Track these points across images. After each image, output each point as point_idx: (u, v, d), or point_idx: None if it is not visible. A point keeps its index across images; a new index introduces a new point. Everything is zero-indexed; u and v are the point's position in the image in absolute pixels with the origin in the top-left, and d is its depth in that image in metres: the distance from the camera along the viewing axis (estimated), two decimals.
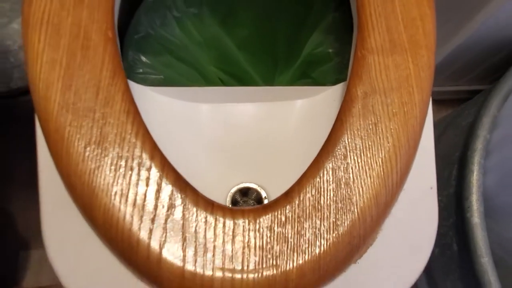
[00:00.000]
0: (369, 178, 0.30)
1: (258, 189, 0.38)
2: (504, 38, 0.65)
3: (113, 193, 0.28)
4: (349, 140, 0.31)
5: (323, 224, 0.29)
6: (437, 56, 0.74)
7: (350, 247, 0.29)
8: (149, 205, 0.28)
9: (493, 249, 0.53)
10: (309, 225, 0.29)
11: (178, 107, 0.39)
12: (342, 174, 0.30)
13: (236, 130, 0.39)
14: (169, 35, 0.49)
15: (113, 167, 0.29)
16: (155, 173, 0.29)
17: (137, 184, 0.28)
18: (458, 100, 0.89)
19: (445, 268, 0.60)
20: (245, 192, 0.39)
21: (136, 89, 0.36)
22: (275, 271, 0.28)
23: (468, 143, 0.56)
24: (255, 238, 0.28)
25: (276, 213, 0.29)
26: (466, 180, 0.54)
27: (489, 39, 0.66)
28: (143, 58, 0.47)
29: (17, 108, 0.67)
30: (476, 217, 0.52)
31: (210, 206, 0.29)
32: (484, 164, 0.54)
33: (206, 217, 0.29)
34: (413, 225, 0.32)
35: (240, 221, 0.29)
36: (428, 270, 0.64)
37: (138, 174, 0.29)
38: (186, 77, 0.51)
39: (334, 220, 0.29)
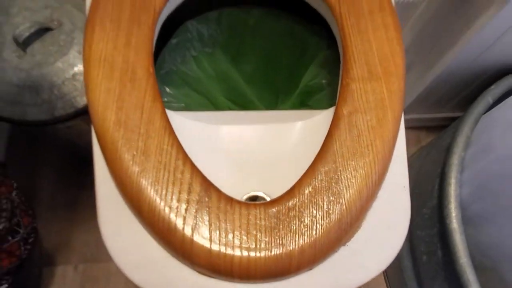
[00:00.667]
0: (354, 178, 0.38)
1: (265, 196, 0.46)
2: (475, 71, 0.75)
3: (155, 190, 0.36)
4: (337, 149, 0.39)
5: (318, 213, 0.37)
6: (419, 86, 0.85)
7: (340, 231, 0.37)
8: (183, 200, 0.36)
9: (473, 254, 0.60)
10: (307, 214, 0.37)
11: (197, 128, 0.47)
12: (333, 175, 0.38)
13: (245, 147, 0.48)
14: (187, 70, 0.59)
15: (154, 170, 0.37)
16: (187, 175, 0.37)
17: (173, 183, 0.37)
18: (445, 126, 0.98)
19: (432, 273, 0.66)
20: (254, 199, 0.46)
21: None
22: (281, 250, 0.36)
23: (447, 160, 0.64)
24: (265, 224, 0.36)
25: (281, 205, 0.37)
26: (445, 191, 0.62)
27: (462, 72, 0.76)
28: (167, 89, 0.56)
29: (52, 134, 0.76)
30: (454, 223, 0.59)
31: (230, 201, 0.37)
32: (460, 177, 0.62)
33: (227, 209, 0.37)
34: (390, 215, 0.40)
35: (253, 211, 0.37)
36: (418, 277, 0.71)
37: (174, 176, 0.37)
38: (201, 106, 0.60)
39: (327, 210, 0.37)
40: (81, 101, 0.60)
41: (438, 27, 0.76)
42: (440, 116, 0.95)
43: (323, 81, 0.58)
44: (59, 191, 0.88)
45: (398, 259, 0.79)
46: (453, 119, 0.95)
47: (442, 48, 0.74)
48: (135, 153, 0.37)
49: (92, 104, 0.39)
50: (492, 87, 0.68)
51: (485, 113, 0.66)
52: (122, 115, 0.38)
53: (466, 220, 0.61)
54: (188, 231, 0.35)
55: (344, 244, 0.38)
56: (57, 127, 0.63)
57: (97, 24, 0.42)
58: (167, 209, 0.36)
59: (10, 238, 0.57)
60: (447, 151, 0.65)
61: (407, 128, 1.07)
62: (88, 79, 0.40)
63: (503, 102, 0.61)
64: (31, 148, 0.91)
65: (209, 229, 0.36)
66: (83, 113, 0.61)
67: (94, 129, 0.39)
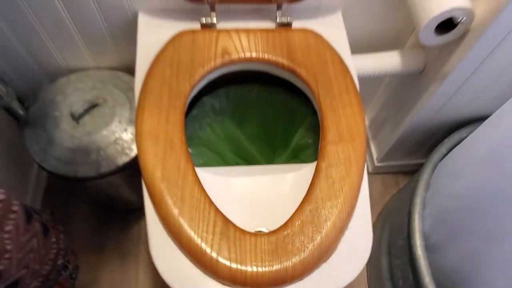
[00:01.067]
0: (330, 214, 0.54)
1: (266, 230, 0.61)
2: (433, 127, 0.93)
3: (190, 226, 0.52)
4: (318, 193, 0.55)
5: (306, 240, 0.52)
6: (392, 138, 1.02)
7: (321, 253, 0.52)
8: (210, 232, 0.52)
9: (437, 277, 0.74)
10: (297, 240, 0.52)
11: (215, 180, 0.63)
12: (315, 212, 0.54)
13: (250, 194, 0.63)
14: (204, 134, 0.76)
15: (189, 211, 0.52)
16: (212, 214, 0.53)
17: (203, 220, 0.52)
18: (417, 171, 1.15)
19: None
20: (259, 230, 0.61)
21: None
22: (280, 266, 0.50)
23: (412, 200, 0.80)
24: (267, 248, 0.51)
25: (278, 235, 0.53)
26: (411, 225, 0.77)
27: (424, 128, 0.93)
28: (190, 150, 0.73)
29: (89, 187, 0.91)
30: (419, 250, 0.74)
31: (242, 232, 0.53)
32: (422, 213, 0.78)
33: (240, 238, 0.52)
34: (357, 240, 0.55)
35: (259, 239, 0.52)
36: None
37: (203, 215, 0.53)
38: (215, 161, 0.76)
39: (312, 237, 0.52)
40: (120, 161, 0.76)
41: (400, 95, 0.95)
42: (413, 163, 1.12)
43: (309, 141, 0.75)
44: (89, 236, 1.02)
45: (382, 286, 0.92)
46: (422, 165, 1.12)
47: (405, 110, 0.92)
48: (175, 199, 0.53)
49: (144, 165, 0.55)
50: (445, 140, 0.86)
51: (440, 161, 0.83)
52: (165, 173, 0.55)
53: (429, 248, 0.75)
54: (214, 254, 0.50)
55: (324, 262, 0.53)
56: (97, 181, 0.79)
57: (145, 108, 0.59)
58: (199, 239, 0.51)
59: (63, 272, 0.71)
60: (412, 192, 0.81)
61: (387, 173, 1.24)
62: (140, 147, 0.56)
63: (449, 154, 0.78)
64: (65, 196, 1.07)
65: (229, 252, 0.51)
66: (121, 170, 0.77)
67: (145, 182, 0.55)
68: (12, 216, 0.51)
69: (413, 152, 1.09)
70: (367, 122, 1.18)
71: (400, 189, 1.07)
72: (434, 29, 0.66)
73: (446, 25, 0.66)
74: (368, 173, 1.17)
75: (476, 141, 0.65)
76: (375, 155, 1.13)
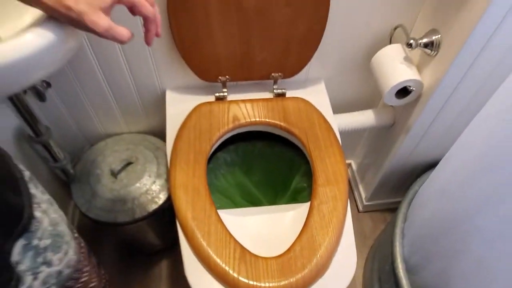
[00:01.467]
0: (323, 240, 0.70)
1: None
2: (409, 169, 1.11)
3: (216, 254, 0.68)
4: (312, 224, 0.72)
5: (305, 261, 0.68)
6: (375, 180, 1.19)
7: (317, 271, 0.68)
8: (231, 257, 0.68)
9: None
10: (299, 261, 0.68)
11: (230, 219, 0.80)
12: (311, 239, 0.70)
13: (259, 228, 0.80)
14: (219, 183, 0.93)
15: (215, 243, 0.69)
16: (232, 244, 0.69)
17: (225, 248, 0.68)
18: None
19: None
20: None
21: None
22: (286, 281, 0.66)
23: (393, 231, 0.96)
24: (276, 268, 0.67)
25: (283, 258, 0.69)
26: (394, 252, 0.93)
27: (401, 169, 1.11)
28: None
29: (123, 232, 1.07)
30: (401, 272, 0.89)
31: (256, 257, 0.69)
32: (402, 241, 0.94)
33: (255, 261, 0.68)
34: (345, 261, 0.70)
35: (269, 262, 0.68)
36: None
37: (225, 245, 0.69)
38: (228, 205, 0.93)
39: (309, 258, 0.68)
40: (151, 208, 0.92)
41: (378, 144, 1.14)
42: (396, 200, 1.29)
43: (305, 185, 0.92)
44: (115, 275, 1.16)
45: None
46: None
47: (383, 156, 1.11)
48: (203, 233, 0.70)
49: (178, 208, 0.72)
50: (417, 180, 1.03)
51: (414, 197, 1.00)
52: (194, 214, 0.71)
53: (409, 270, 0.90)
54: (236, 275, 0.66)
55: (320, 277, 0.69)
56: (131, 226, 0.95)
57: (177, 165, 0.77)
58: (223, 263, 0.67)
59: None
60: (393, 224, 0.98)
61: (376, 211, 1.41)
62: (174, 195, 0.74)
63: (419, 190, 0.95)
64: (95, 236, 1.21)
65: (247, 272, 0.66)
66: (151, 216, 0.93)
67: (179, 222, 0.72)
68: (82, 250, 0.66)
69: (395, 191, 1.26)
70: (354, 168, 1.36)
71: (387, 224, 1.23)
72: (394, 94, 0.85)
73: (404, 90, 0.86)
74: (359, 212, 1.34)
75: (433, 179, 0.83)
76: (363, 195, 1.30)
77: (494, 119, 0.60)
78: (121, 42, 0.45)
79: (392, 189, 1.23)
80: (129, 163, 0.97)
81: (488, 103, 0.63)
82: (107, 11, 0.43)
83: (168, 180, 0.77)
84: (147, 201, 0.93)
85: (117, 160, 0.97)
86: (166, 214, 0.95)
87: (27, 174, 0.44)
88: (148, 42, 0.50)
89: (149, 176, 0.95)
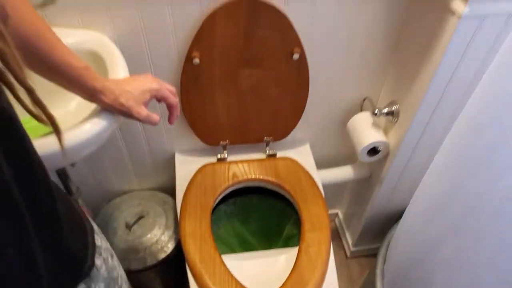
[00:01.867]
0: (310, 279, 0.83)
1: None
2: (386, 216, 1.25)
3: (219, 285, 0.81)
4: (301, 265, 0.85)
5: None
6: (358, 227, 1.33)
7: None
8: None
9: None
10: None
11: (231, 262, 0.93)
12: (300, 278, 0.84)
13: (256, 270, 0.93)
14: (220, 232, 1.07)
15: (219, 282, 0.82)
16: (234, 283, 0.82)
17: (229, 286, 0.81)
18: None
19: None
20: None
21: None
22: None
23: (374, 272, 1.09)
24: None
25: None
26: None
27: (379, 217, 1.26)
28: None
29: (134, 279, 1.18)
30: None
31: None
32: (382, 281, 1.06)
33: None
34: None
35: None
36: None
37: (228, 283, 0.82)
38: (227, 251, 1.06)
39: None
40: (160, 256, 1.05)
41: (359, 194, 1.30)
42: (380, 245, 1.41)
43: (295, 232, 1.06)
44: None
45: None
46: None
47: (364, 205, 1.26)
48: (209, 274, 0.83)
49: (187, 253, 0.86)
50: (394, 225, 1.18)
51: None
52: (202, 258, 0.85)
53: None
54: None
55: None
56: (142, 273, 1.07)
57: (186, 218, 0.92)
58: None
59: None
60: (375, 265, 1.11)
61: (362, 256, 1.54)
62: (184, 242, 0.87)
63: (393, 235, 1.09)
64: None
65: None
66: (161, 264, 1.05)
67: (188, 265, 0.85)
68: None
69: (378, 237, 1.39)
70: (341, 216, 1.50)
71: (372, 268, 1.35)
72: (366, 153, 1.03)
73: (375, 150, 1.04)
74: (347, 258, 1.46)
75: (402, 221, 0.98)
76: (350, 242, 1.43)
77: (438, 172, 0.77)
78: (154, 125, 0.62)
79: (375, 235, 1.37)
80: (141, 217, 1.10)
81: (434, 159, 0.80)
82: (146, 104, 0.60)
83: (178, 229, 0.91)
84: (157, 250, 1.06)
85: (131, 214, 1.11)
86: (173, 263, 1.07)
87: (95, 227, 0.53)
88: (171, 122, 0.67)
89: (159, 228, 1.09)
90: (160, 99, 0.64)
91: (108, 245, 0.55)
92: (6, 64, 0.29)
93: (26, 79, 0.31)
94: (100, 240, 0.52)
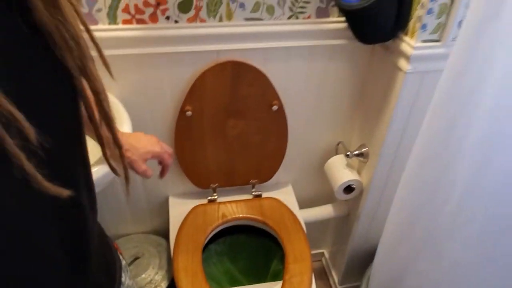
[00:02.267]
0: None
1: None
2: (366, 253, 1.34)
3: None
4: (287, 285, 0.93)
5: None
6: (342, 263, 1.41)
7: None
8: None
9: None
10: None
11: None
12: None
13: None
14: (210, 270, 1.14)
15: None
16: None
17: None
18: None
19: None
20: None
21: None
22: None
23: None
24: None
25: None
26: None
27: (359, 253, 1.34)
28: None
29: None
30: None
31: None
32: None
33: None
34: None
35: None
36: None
37: None
38: (216, 287, 1.13)
39: None
40: None
41: (340, 231, 1.39)
42: None
43: (280, 267, 1.14)
44: None
45: None
46: None
47: (345, 242, 1.35)
48: None
49: (180, 286, 0.93)
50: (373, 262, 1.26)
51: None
52: None
53: None
54: None
55: None
56: None
57: (179, 255, 1.00)
58: None
59: None
60: None
61: None
62: (177, 278, 0.95)
63: (372, 268, 1.18)
64: None
65: None
66: None
67: None
68: None
69: (361, 273, 1.47)
70: (327, 255, 1.58)
71: None
72: (342, 191, 1.14)
73: (350, 188, 1.15)
74: None
75: (377, 252, 1.07)
76: (336, 280, 1.50)
77: (400, 203, 0.88)
78: (147, 178, 0.72)
79: (359, 272, 1.44)
80: (137, 258, 1.18)
81: (396, 192, 0.92)
82: (145, 160, 0.72)
83: (172, 265, 0.99)
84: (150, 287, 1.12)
85: (127, 256, 1.18)
86: None
87: (123, 263, 0.56)
88: (162, 177, 0.78)
89: (153, 268, 1.16)
90: (158, 160, 0.76)
91: (131, 281, 0.59)
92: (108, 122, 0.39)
93: (119, 134, 0.40)
94: (124, 276, 0.56)
